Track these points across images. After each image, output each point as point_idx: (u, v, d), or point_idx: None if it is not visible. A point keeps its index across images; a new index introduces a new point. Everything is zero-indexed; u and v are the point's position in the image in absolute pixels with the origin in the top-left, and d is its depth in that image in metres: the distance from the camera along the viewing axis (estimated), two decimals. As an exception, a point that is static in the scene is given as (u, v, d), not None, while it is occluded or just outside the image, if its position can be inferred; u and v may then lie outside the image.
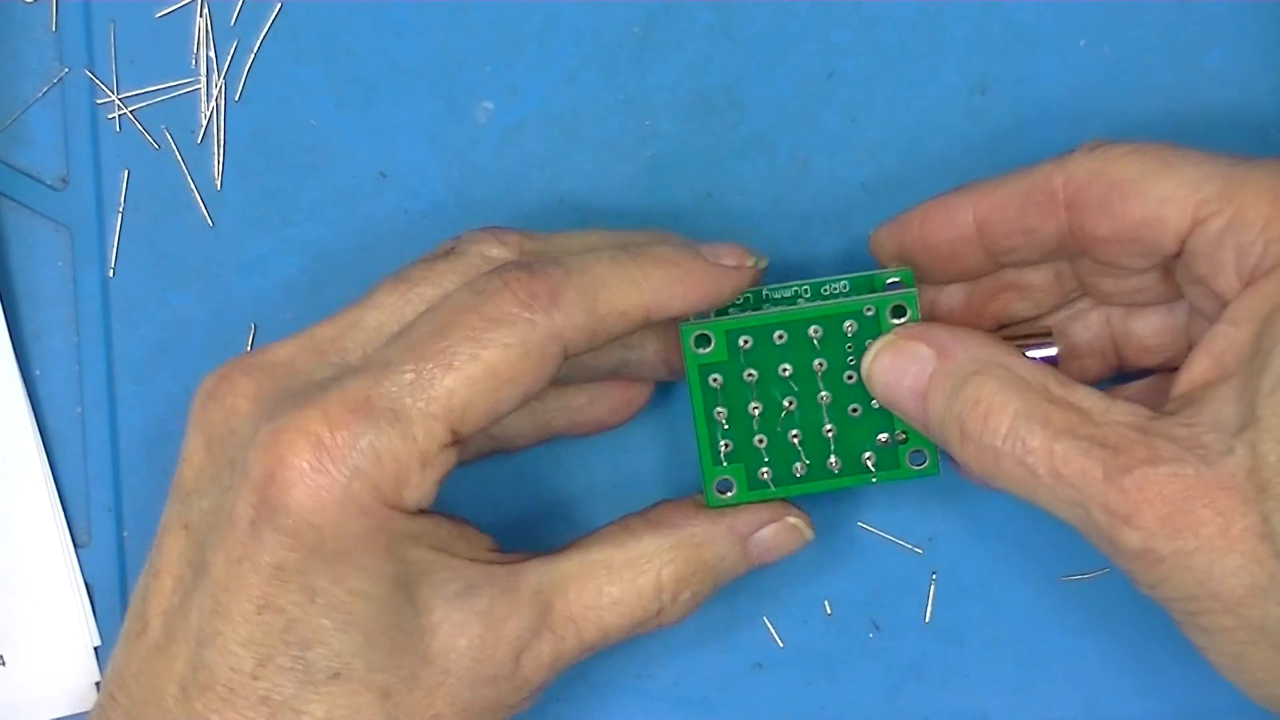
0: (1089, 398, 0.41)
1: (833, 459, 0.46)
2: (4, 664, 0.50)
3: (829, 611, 0.50)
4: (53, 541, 0.51)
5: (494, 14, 0.50)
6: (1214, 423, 0.40)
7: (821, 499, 0.50)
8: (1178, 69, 0.49)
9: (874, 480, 0.46)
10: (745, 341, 0.45)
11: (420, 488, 0.41)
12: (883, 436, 0.46)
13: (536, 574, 0.43)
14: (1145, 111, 0.49)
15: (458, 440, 0.42)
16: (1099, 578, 0.49)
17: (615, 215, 0.50)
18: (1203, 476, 0.39)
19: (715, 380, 0.46)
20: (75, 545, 0.51)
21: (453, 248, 0.45)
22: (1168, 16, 0.49)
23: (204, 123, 0.51)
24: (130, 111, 0.51)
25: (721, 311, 0.46)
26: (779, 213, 0.50)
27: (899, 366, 0.44)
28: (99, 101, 0.51)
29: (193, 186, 0.51)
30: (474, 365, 0.41)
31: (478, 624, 0.42)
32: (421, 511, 0.42)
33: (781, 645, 0.50)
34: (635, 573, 0.44)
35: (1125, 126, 0.49)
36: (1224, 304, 0.42)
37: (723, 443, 0.46)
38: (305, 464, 0.40)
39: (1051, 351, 0.46)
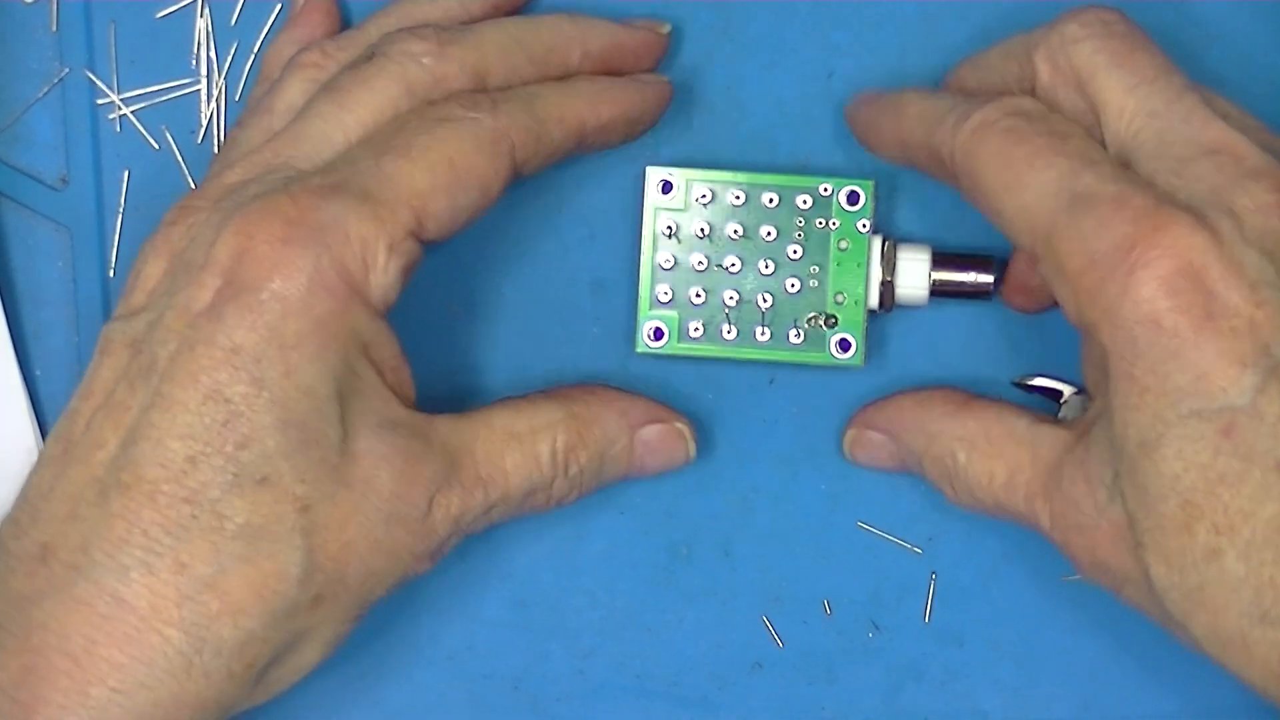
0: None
1: (763, 329, 0.48)
2: (4, 664, 0.50)
3: (829, 611, 0.50)
4: (52, 541, 0.51)
5: (493, 14, 0.50)
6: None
7: (820, 497, 0.50)
8: (1177, 69, 0.49)
9: (797, 359, 0.48)
10: (704, 196, 0.48)
11: (386, 274, 0.42)
12: (813, 315, 0.48)
13: (446, 430, 0.44)
14: (1145, 112, 0.49)
15: (421, 235, 0.43)
16: (1099, 578, 0.49)
17: (617, 217, 0.50)
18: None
19: (669, 228, 0.48)
20: (75, 545, 0.51)
21: (372, 52, 0.46)
22: (1167, 17, 0.49)
23: (204, 123, 0.51)
24: (130, 111, 0.51)
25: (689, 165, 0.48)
26: (779, 213, 0.50)
27: (873, 458, 0.49)
28: (99, 101, 0.51)
29: (193, 186, 0.51)
30: (431, 154, 0.43)
31: (400, 459, 0.43)
32: (380, 317, 0.43)
33: (781, 645, 0.50)
34: (534, 440, 0.46)
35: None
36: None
37: (662, 288, 0.48)
38: (276, 237, 0.41)
39: (988, 279, 0.48)
